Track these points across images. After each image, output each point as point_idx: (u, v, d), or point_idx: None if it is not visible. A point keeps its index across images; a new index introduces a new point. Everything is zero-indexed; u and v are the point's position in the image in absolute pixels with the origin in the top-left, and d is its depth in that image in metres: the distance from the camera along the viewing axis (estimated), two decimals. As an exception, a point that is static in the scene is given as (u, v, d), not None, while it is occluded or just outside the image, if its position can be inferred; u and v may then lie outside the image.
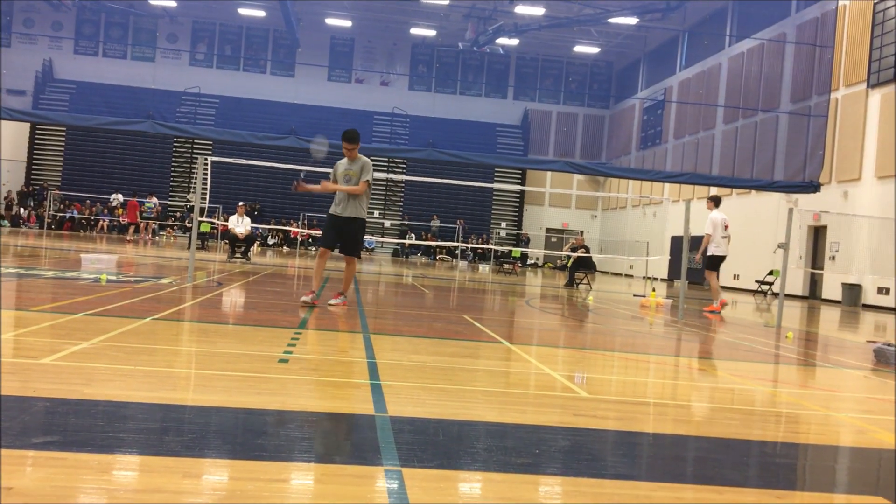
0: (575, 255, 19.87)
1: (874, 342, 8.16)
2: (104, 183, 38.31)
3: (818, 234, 24.74)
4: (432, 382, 4.69)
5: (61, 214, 36.88)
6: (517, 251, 31.30)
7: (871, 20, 22.76)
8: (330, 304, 8.56)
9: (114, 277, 10.33)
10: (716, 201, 14.39)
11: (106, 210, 37.65)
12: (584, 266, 19.77)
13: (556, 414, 4.11)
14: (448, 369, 5.25)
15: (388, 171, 39.66)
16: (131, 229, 31.09)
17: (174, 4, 38.04)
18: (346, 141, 8.57)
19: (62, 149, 39.64)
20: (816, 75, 21.82)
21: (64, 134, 39.07)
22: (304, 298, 8.51)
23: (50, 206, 36.13)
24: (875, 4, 22.59)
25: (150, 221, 34.20)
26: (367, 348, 5.84)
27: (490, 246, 34.53)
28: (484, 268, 32.13)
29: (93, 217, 37.23)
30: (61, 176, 39.44)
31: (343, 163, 8.75)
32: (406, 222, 40.70)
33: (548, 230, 42.87)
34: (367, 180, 8.66)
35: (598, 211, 43.91)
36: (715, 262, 14.02)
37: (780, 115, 24.34)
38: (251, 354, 5.17)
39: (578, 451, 3.38)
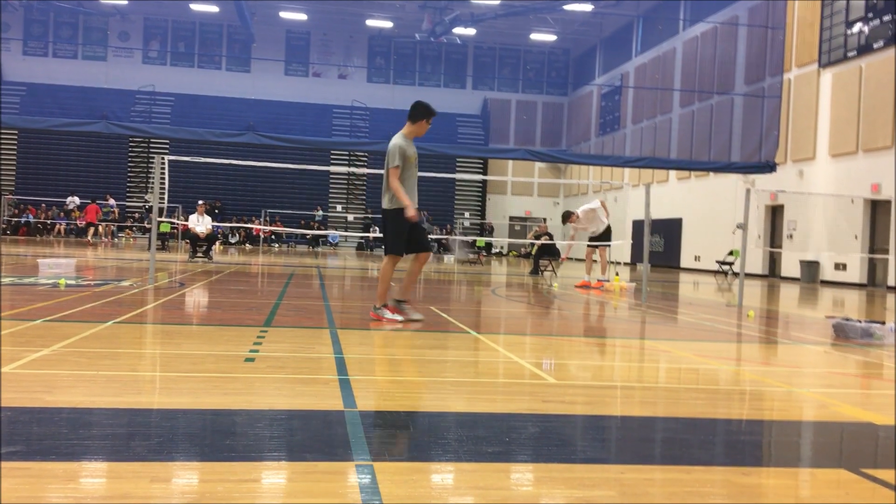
0: (539, 242, 19.97)
1: (833, 317, 8.33)
2: (59, 186, 37.56)
3: (775, 213, 25.16)
4: (401, 375, 4.69)
5: (16, 219, 36.10)
6: (481, 240, 31.33)
7: (821, 1, 23.14)
8: (411, 316, 7.38)
9: (73, 282, 10.15)
10: (569, 216, 15.36)
11: (62, 213, 36.95)
12: (549, 253, 19.88)
13: (525, 401, 4.14)
14: (416, 361, 5.25)
15: (349, 165, 39.48)
16: (91, 231, 30.54)
17: (125, 2, 37.31)
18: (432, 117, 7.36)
19: (14, 152, 38.74)
20: (769, 57, 22.12)
21: (16, 137, 38.20)
22: (398, 318, 7.32)
23: (4, 210, 35.33)
24: (824, -15, 22.97)
25: (110, 224, 33.61)
26: (335, 343, 5.81)
27: (454, 236, 34.55)
28: (449, 258, 32.16)
29: (49, 221, 36.52)
30: (15, 180, 38.60)
31: (409, 144, 7.35)
32: (369, 216, 40.55)
33: (511, 218, 43.02)
34: None
35: (560, 198, 44.15)
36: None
37: (735, 98, 24.66)
38: (217, 354, 5.12)
39: (548, 437, 3.40)
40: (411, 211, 7.15)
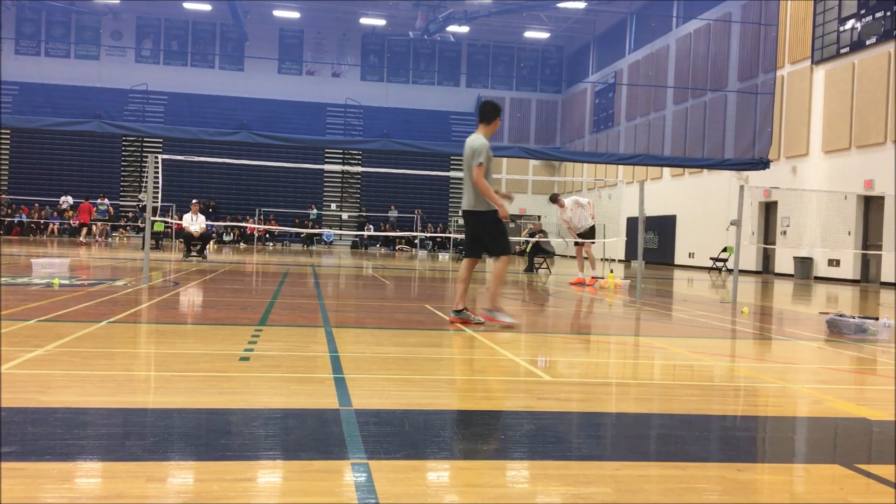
0: (533, 240, 19.98)
1: (827, 313, 8.35)
2: (52, 185, 37.47)
3: (769, 209, 25.21)
4: (396, 373, 4.69)
5: (9, 219, 35.98)
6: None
7: (813, -2, 23.19)
8: (503, 319, 7.24)
9: (66, 282, 10.12)
10: (556, 198, 15.71)
11: (56, 213, 36.83)
12: (543, 251, 19.89)
13: (521, 399, 4.14)
14: (411, 359, 5.25)
15: (343, 164, 39.43)
16: (84, 231, 30.44)
17: (117, 1, 37.22)
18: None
19: (7, 152, 38.62)
20: (762, 53, 22.17)
21: (8, 136, 38.07)
22: (512, 321, 7.27)
23: (-3, 210, 35.23)
24: (816, -18, 23.01)
25: (104, 223, 33.49)
26: (330, 342, 5.81)
27: (449, 234, 34.54)
28: (444, 256, 32.15)
29: (42, 221, 36.40)
30: (7, 180, 38.47)
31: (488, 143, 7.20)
32: (364, 214, 40.52)
33: (505, 216, 43.02)
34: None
35: (554, 195, 44.17)
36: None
37: (729, 94, 24.71)
38: (212, 354, 5.11)
39: (544, 435, 3.41)
40: (505, 211, 7.09)
